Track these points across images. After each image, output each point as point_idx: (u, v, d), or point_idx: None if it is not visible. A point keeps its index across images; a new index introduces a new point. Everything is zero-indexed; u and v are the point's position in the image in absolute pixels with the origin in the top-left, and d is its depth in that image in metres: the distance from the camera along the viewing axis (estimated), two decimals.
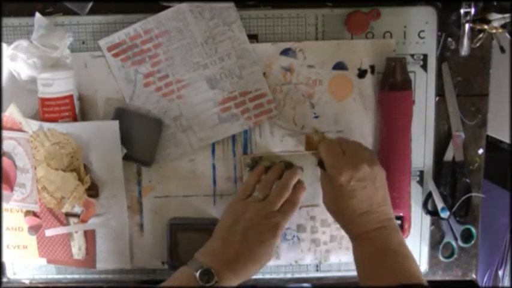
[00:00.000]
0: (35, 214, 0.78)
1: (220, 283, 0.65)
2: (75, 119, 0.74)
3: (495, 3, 0.72)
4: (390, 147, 0.75)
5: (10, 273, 0.82)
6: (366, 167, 0.67)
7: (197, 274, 0.65)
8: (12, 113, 0.74)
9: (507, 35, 0.74)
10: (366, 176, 0.67)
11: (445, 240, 0.81)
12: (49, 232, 0.78)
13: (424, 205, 0.80)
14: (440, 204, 0.78)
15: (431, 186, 0.79)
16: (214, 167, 0.79)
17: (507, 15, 0.72)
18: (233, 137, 0.78)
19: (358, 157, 0.69)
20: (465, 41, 0.74)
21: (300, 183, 0.75)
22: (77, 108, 0.75)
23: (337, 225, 0.79)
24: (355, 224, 0.68)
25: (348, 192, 0.67)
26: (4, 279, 0.82)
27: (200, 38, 0.75)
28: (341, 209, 0.69)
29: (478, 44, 0.76)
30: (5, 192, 0.75)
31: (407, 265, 0.65)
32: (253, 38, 0.75)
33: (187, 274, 0.66)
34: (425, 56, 0.76)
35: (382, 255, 0.66)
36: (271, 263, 0.81)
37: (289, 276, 0.82)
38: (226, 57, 0.75)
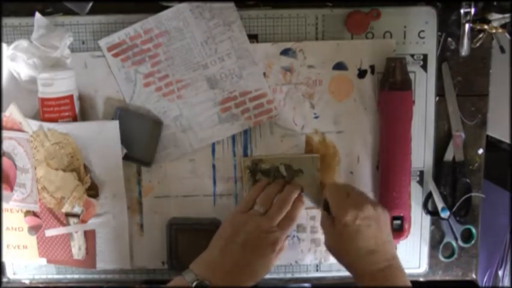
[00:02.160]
0: (35, 214, 0.78)
1: None
2: (75, 119, 0.74)
3: (495, 3, 0.72)
4: (390, 147, 0.75)
5: (10, 273, 0.82)
6: (370, 207, 0.68)
7: (193, 286, 0.65)
8: (12, 113, 0.74)
9: (507, 35, 0.74)
10: (371, 215, 0.68)
11: (445, 240, 0.81)
12: (49, 232, 0.78)
13: (424, 205, 0.80)
14: (440, 204, 0.78)
15: (431, 186, 0.79)
16: (214, 167, 0.79)
17: (507, 15, 0.72)
18: (233, 137, 0.78)
19: (362, 198, 0.70)
20: (465, 41, 0.74)
21: (299, 198, 0.76)
22: (77, 108, 0.75)
23: None
24: (360, 263, 0.68)
25: (353, 232, 0.67)
26: (4, 279, 0.82)
27: (200, 38, 0.75)
28: (346, 249, 0.69)
29: (478, 44, 0.76)
30: (5, 192, 0.75)
31: None
32: (253, 38, 0.75)
33: (184, 283, 0.66)
34: (425, 56, 0.76)
35: None
36: None
37: (289, 276, 0.82)
38: (226, 57, 0.75)
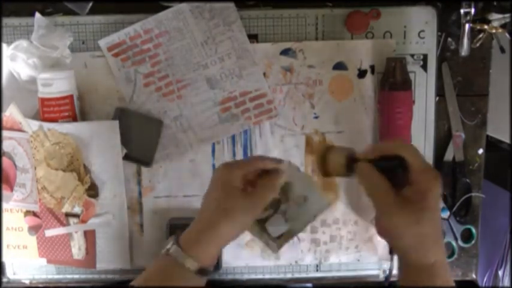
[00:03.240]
0: (35, 214, 0.78)
1: (185, 253, 0.58)
2: (75, 119, 0.74)
3: (495, 3, 0.72)
4: None
5: (10, 273, 0.82)
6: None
7: (167, 247, 0.59)
8: (12, 113, 0.74)
9: (507, 35, 0.74)
10: (438, 195, 0.56)
11: (445, 240, 0.81)
12: (49, 232, 0.78)
13: None
14: (440, 204, 0.78)
15: None
16: (214, 167, 0.79)
17: (507, 15, 0.72)
18: (233, 137, 0.78)
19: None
20: (465, 41, 0.74)
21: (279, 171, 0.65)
22: (77, 108, 0.75)
23: (337, 225, 0.80)
24: (428, 250, 0.55)
25: (432, 214, 0.54)
26: (4, 279, 0.82)
27: (200, 38, 0.75)
28: (419, 232, 0.54)
29: (478, 44, 0.76)
30: (5, 192, 0.75)
31: None
32: (253, 38, 0.75)
33: (162, 257, 0.60)
34: (425, 56, 0.76)
35: None
36: (271, 263, 0.81)
37: (289, 276, 0.82)
38: (226, 57, 0.75)
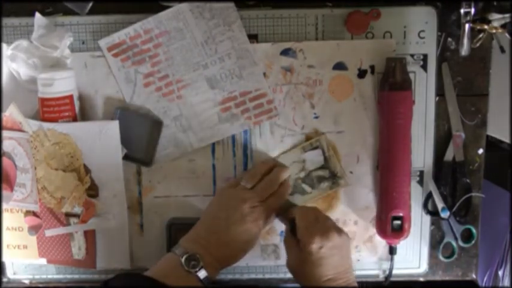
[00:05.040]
0: (35, 214, 0.78)
1: (205, 268, 0.65)
2: (75, 119, 0.74)
3: (495, 3, 0.72)
4: (390, 147, 0.75)
5: (10, 273, 0.82)
6: (336, 235, 0.68)
7: (183, 259, 0.65)
8: (12, 113, 0.74)
9: (507, 35, 0.74)
10: (335, 244, 0.67)
11: (445, 240, 0.81)
12: (49, 232, 0.78)
13: (424, 205, 0.80)
14: (440, 204, 0.78)
15: (431, 186, 0.79)
16: (214, 167, 0.79)
17: (507, 15, 0.72)
18: (233, 137, 0.78)
19: (329, 225, 0.69)
20: (465, 41, 0.74)
21: (286, 181, 0.76)
22: (77, 108, 0.75)
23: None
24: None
25: (316, 259, 0.67)
26: (4, 279, 0.82)
27: (200, 38, 0.75)
28: (307, 274, 0.68)
29: (478, 44, 0.76)
30: (5, 192, 0.75)
31: None
32: (253, 38, 0.75)
33: (174, 260, 0.66)
34: (425, 56, 0.76)
35: None
36: (271, 263, 0.81)
37: (289, 276, 0.82)
38: (226, 57, 0.75)
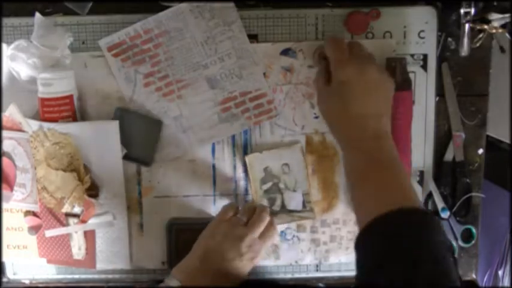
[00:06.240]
0: (35, 214, 0.78)
1: None
2: (75, 119, 0.74)
3: (495, 3, 0.72)
4: None
5: (10, 273, 0.82)
6: (373, 71, 0.64)
7: None
8: (12, 113, 0.74)
9: (507, 35, 0.74)
10: (371, 79, 0.63)
11: None
12: (49, 233, 0.78)
13: (425, 205, 0.80)
14: (440, 204, 0.78)
15: (431, 186, 0.79)
16: (214, 167, 0.79)
17: (507, 15, 0.72)
18: (233, 137, 0.78)
19: (367, 59, 0.66)
20: (465, 41, 0.74)
21: (272, 218, 0.75)
22: (77, 108, 0.75)
23: (337, 226, 0.80)
24: (348, 128, 0.64)
25: (348, 92, 0.63)
26: (4, 279, 0.82)
27: (200, 38, 0.75)
28: (336, 109, 0.64)
29: (478, 44, 0.76)
30: (5, 192, 0.75)
31: (400, 180, 0.61)
32: (253, 38, 0.75)
33: None
34: (425, 56, 0.76)
35: (373, 167, 0.62)
36: (271, 263, 0.81)
37: (289, 276, 0.82)
38: (226, 57, 0.75)
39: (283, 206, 0.79)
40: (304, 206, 0.78)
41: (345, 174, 0.65)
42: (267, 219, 0.73)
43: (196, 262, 0.70)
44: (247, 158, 0.78)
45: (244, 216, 0.73)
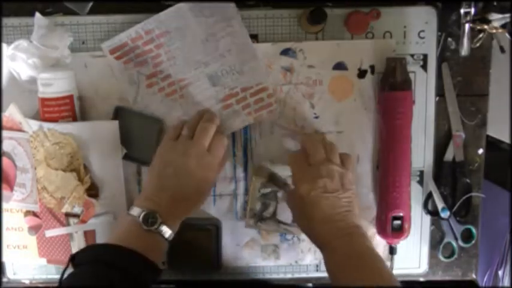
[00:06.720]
0: (35, 214, 0.78)
1: (165, 224, 0.65)
2: (75, 119, 0.74)
3: (495, 3, 0.72)
4: (390, 147, 0.75)
5: (10, 273, 0.82)
6: (328, 181, 0.66)
7: (140, 219, 0.64)
8: (12, 113, 0.74)
9: (507, 35, 0.74)
10: (328, 189, 0.66)
11: (445, 240, 0.81)
12: (49, 233, 0.78)
13: (424, 205, 0.80)
14: (440, 204, 0.78)
15: (431, 186, 0.79)
16: None
17: (507, 15, 0.72)
18: (233, 136, 0.78)
19: (322, 169, 0.68)
20: (465, 41, 0.74)
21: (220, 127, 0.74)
22: (77, 108, 0.75)
23: None
24: (319, 232, 0.67)
25: (309, 203, 0.66)
26: (4, 279, 0.82)
27: (201, 36, 0.74)
28: (305, 218, 0.68)
29: (478, 44, 0.76)
30: (5, 192, 0.75)
31: (377, 266, 0.63)
32: (253, 38, 0.75)
33: (131, 221, 0.65)
34: (425, 56, 0.76)
35: (349, 260, 0.64)
36: (271, 263, 0.81)
37: (289, 276, 0.82)
38: (227, 53, 0.75)
39: (274, 214, 0.78)
40: (293, 221, 0.77)
41: (327, 272, 0.67)
42: (213, 129, 0.71)
43: (152, 189, 0.68)
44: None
45: (189, 131, 0.71)
